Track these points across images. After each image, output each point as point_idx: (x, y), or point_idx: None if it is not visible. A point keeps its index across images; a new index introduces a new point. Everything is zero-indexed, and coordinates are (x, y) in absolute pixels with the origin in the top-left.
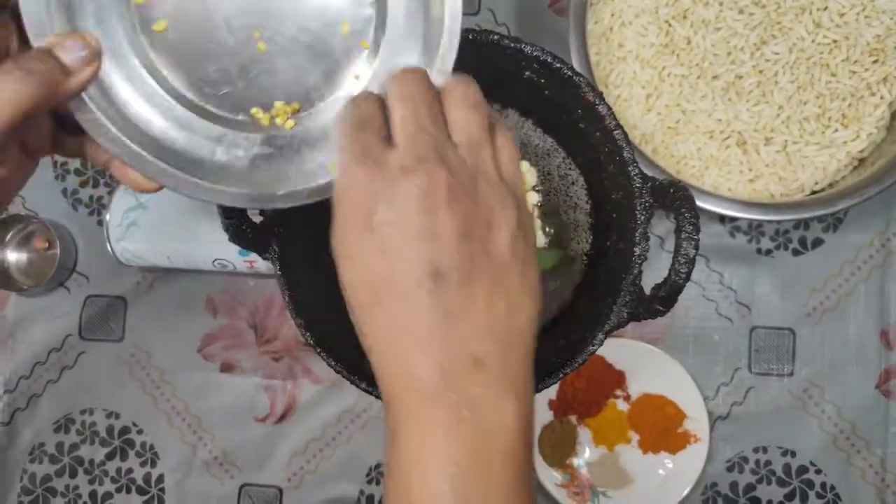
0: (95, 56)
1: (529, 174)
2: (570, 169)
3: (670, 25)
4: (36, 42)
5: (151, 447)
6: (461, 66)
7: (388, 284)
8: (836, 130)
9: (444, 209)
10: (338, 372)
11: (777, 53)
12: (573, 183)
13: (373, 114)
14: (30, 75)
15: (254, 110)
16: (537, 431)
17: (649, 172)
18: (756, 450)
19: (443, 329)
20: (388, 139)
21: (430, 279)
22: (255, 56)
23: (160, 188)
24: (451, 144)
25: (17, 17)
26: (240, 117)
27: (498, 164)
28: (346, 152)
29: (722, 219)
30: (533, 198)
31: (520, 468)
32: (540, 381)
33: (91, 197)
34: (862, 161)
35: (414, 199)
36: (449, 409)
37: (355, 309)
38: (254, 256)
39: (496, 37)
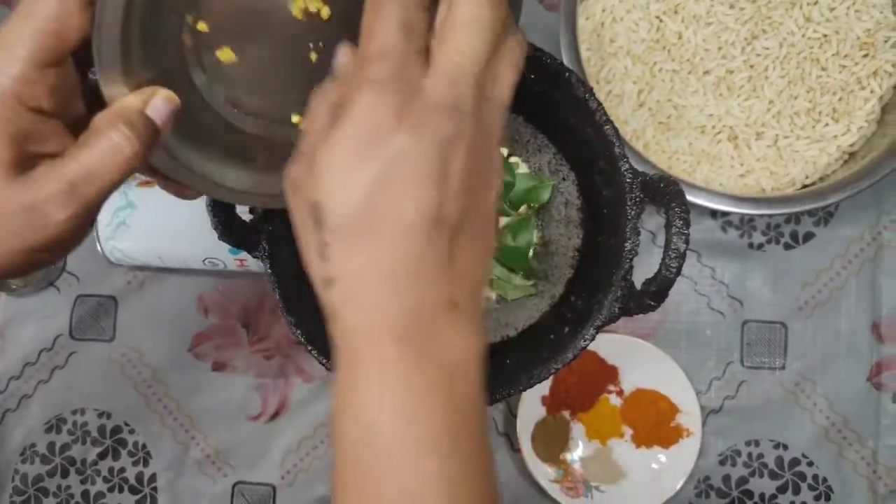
0: (175, 112)
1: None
2: (560, 165)
3: (661, 21)
4: (109, 88)
5: (144, 446)
6: None
7: (388, 219)
8: (827, 125)
9: (462, 161)
10: (329, 370)
11: (767, 48)
12: (564, 178)
13: (422, 22)
14: (139, 138)
15: (294, 118)
16: (530, 427)
17: (641, 168)
18: (748, 443)
19: (429, 275)
20: (426, 51)
21: (433, 223)
22: (304, 69)
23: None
24: (486, 97)
25: (76, 59)
26: (276, 126)
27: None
28: (381, 60)
29: (713, 213)
30: None
31: (480, 398)
32: (532, 377)
33: None
34: (852, 155)
35: (439, 141)
36: (418, 347)
37: (332, 232)
38: (244, 255)
39: None
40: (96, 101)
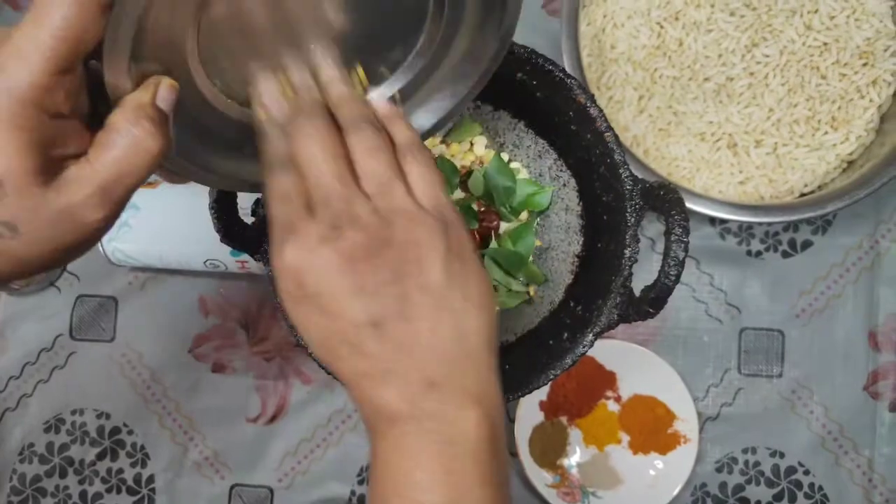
0: (176, 97)
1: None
2: (561, 171)
3: (662, 27)
4: (115, 82)
5: (142, 447)
6: None
7: (337, 341)
8: (826, 133)
9: (365, 266)
10: (329, 373)
11: (768, 56)
12: (565, 184)
13: (291, 187)
14: (161, 132)
15: None
16: (528, 432)
17: (641, 174)
18: (745, 450)
19: (395, 365)
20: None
21: (372, 328)
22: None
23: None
24: (361, 198)
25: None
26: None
27: (414, 195)
28: (276, 228)
29: (712, 221)
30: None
31: (486, 467)
32: (531, 382)
33: None
34: (851, 164)
35: (335, 264)
36: (414, 423)
37: (323, 363)
38: (245, 257)
39: None
40: (97, 91)
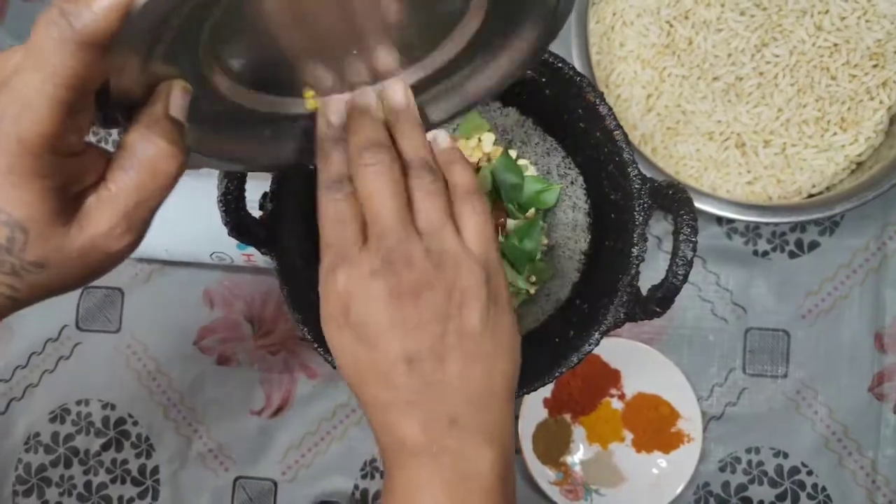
0: (189, 98)
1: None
2: (569, 168)
3: (671, 26)
4: (121, 83)
5: (147, 438)
6: None
7: (369, 369)
8: (835, 134)
9: (411, 303)
10: (334, 368)
11: (777, 56)
12: (572, 182)
13: (349, 211)
14: (178, 146)
15: (307, 93)
16: (532, 429)
17: (648, 173)
18: (749, 450)
19: (420, 399)
20: (364, 228)
21: (405, 363)
22: (323, 46)
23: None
24: (416, 238)
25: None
26: (288, 99)
27: (463, 238)
28: (329, 251)
29: (719, 220)
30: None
31: (498, 501)
32: (536, 380)
33: None
34: (860, 165)
35: (382, 298)
36: (431, 458)
37: (349, 386)
38: (251, 250)
39: None
40: (105, 95)
